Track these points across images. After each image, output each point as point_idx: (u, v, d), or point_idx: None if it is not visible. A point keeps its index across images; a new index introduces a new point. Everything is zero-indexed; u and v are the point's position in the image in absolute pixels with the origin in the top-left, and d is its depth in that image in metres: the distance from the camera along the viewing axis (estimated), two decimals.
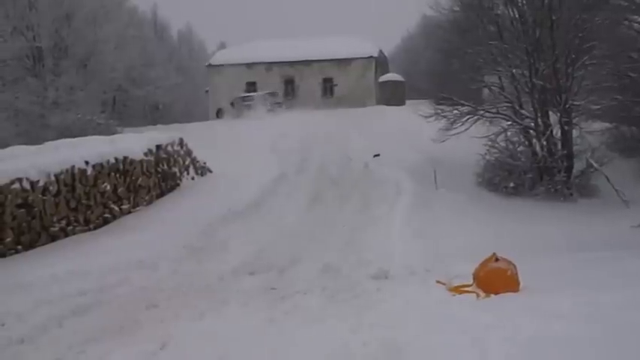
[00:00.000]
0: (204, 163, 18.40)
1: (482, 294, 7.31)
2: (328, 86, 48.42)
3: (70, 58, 36.20)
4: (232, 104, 42.08)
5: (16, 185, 10.54)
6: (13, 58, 34.52)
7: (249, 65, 48.56)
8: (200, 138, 21.06)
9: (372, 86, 46.97)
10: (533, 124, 17.67)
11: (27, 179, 10.78)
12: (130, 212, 13.73)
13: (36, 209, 10.91)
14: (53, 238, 11.23)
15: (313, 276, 9.33)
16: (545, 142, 17.48)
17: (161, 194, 15.52)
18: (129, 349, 6.22)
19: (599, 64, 16.74)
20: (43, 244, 10.93)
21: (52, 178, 11.40)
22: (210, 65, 50.82)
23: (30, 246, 10.68)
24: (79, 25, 36.19)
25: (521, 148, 18.24)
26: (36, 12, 34.45)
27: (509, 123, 18.16)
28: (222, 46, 67.99)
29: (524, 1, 17.82)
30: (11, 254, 10.24)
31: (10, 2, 34.11)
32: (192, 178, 17.41)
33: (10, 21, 34.26)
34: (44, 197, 11.15)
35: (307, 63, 47.83)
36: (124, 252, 10.11)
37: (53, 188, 11.38)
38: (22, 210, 10.62)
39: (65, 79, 34.57)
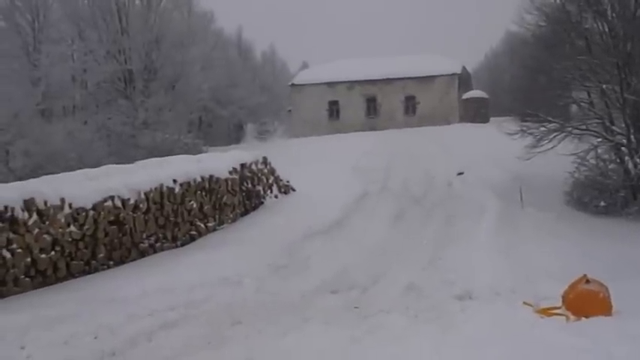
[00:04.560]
0: (288, 181, 18.59)
1: (572, 317, 7.09)
2: (411, 104, 48.19)
3: (159, 80, 37.48)
4: None
5: (109, 203, 10.96)
6: (106, 81, 36.18)
7: (331, 84, 48.93)
8: (283, 156, 21.33)
9: (456, 104, 46.48)
10: (625, 141, 17.00)
11: (118, 197, 11.19)
12: (215, 230, 14.00)
13: (127, 226, 11.30)
14: (142, 254, 11.59)
15: (396, 295, 9.27)
16: (638, 160, 16.77)
17: (245, 212, 15.75)
18: None
19: None
20: (132, 260, 11.30)
21: (142, 196, 11.78)
22: (293, 85, 51.53)
23: (121, 261, 11.07)
24: (168, 48, 37.44)
25: (612, 166, 17.57)
26: (127, 37, 35.89)
27: (600, 140, 17.53)
28: (305, 65, 68.89)
29: (614, 14, 17.23)
30: (103, 269, 10.64)
31: (104, 28, 35.72)
32: (276, 197, 17.59)
33: (104, 45, 35.87)
34: (134, 214, 11.54)
35: (389, 81, 47.78)
36: (209, 269, 10.30)
37: (143, 206, 11.76)
38: (114, 227, 11.03)
39: (154, 100, 35.77)
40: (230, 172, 15.14)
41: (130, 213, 11.43)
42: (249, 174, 16.29)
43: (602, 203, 16.58)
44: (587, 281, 7.30)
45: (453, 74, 47.49)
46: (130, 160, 16.09)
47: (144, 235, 11.73)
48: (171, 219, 12.55)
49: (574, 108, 19.30)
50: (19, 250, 9.21)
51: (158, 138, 32.35)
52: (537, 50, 19.50)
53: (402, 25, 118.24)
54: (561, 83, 17.98)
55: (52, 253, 9.77)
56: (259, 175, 16.94)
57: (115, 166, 13.68)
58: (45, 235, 9.68)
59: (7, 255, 9.04)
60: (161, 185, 12.33)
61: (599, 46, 17.37)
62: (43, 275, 9.59)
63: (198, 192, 13.61)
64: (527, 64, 21.14)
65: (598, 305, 7.10)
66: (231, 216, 14.94)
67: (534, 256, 11.52)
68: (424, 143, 31.34)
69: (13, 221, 9.23)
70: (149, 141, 31.89)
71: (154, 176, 12.42)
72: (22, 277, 9.24)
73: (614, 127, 17.16)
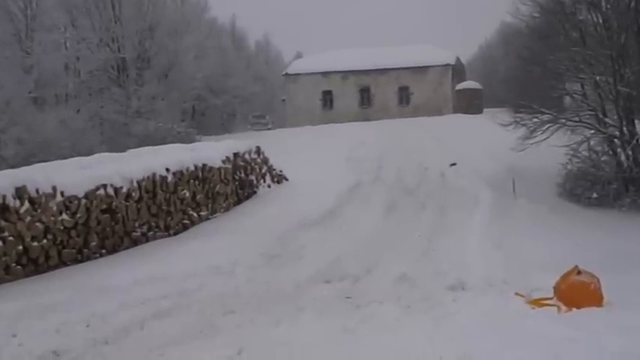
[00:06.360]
0: (281, 171, 18.57)
1: (563, 308, 7.11)
2: (404, 95, 48.22)
3: (152, 69, 37.37)
4: None
5: (101, 191, 10.91)
6: (99, 69, 36.04)
7: (325, 74, 48.86)
8: (276, 146, 21.28)
9: (449, 94, 46.54)
10: (617, 133, 17.04)
11: (111, 185, 11.14)
12: (208, 219, 13.98)
13: (119, 214, 11.26)
14: (135, 243, 11.57)
15: (389, 285, 9.26)
16: (630, 152, 16.81)
17: (238, 201, 15.73)
18: (207, 353, 6.33)
19: None
20: (125, 249, 11.27)
21: (135, 184, 11.74)
22: (286, 74, 51.43)
23: (113, 250, 11.04)
24: (161, 37, 37.29)
25: (604, 158, 17.61)
26: (120, 24, 35.72)
27: (592, 132, 17.55)
28: (299, 55, 68.70)
29: (608, 6, 17.21)
30: (95, 258, 10.61)
31: (97, 16, 35.53)
32: (269, 186, 17.58)
33: (97, 33, 35.70)
34: (127, 203, 11.50)
35: (383, 71, 47.76)
36: (202, 258, 10.29)
37: (135, 194, 11.72)
38: (106, 215, 10.99)
39: (147, 88, 35.67)
40: (223, 162, 15.11)
41: (123, 201, 11.39)
42: (242, 163, 16.26)
43: (595, 195, 16.63)
44: (579, 272, 7.32)
45: (447, 65, 47.51)
46: (123, 148, 16.03)
47: (136, 224, 11.70)
48: (164, 208, 12.52)
49: (567, 99, 19.31)
50: (11, 238, 9.17)
51: (151, 127, 32.27)
52: (531, 41, 19.49)
53: (397, 16, 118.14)
54: (555, 74, 17.98)
55: (44, 241, 9.73)
56: (252, 164, 16.92)
57: (107, 154, 13.65)
58: (37, 223, 9.63)
59: None
60: (154, 174, 12.29)
61: (593, 38, 17.36)
62: (35, 263, 9.56)
63: (191, 181, 13.58)
64: (521, 55, 21.11)
65: (589, 296, 7.12)
66: (224, 205, 14.92)
67: (526, 248, 11.55)
68: (417, 134, 31.35)
69: (4, 209, 9.19)
70: (142, 129, 31.80)
71: (146, 165, 12.38)
72: (14, 265, 9.21)
73: (607, 119, 17.19)
